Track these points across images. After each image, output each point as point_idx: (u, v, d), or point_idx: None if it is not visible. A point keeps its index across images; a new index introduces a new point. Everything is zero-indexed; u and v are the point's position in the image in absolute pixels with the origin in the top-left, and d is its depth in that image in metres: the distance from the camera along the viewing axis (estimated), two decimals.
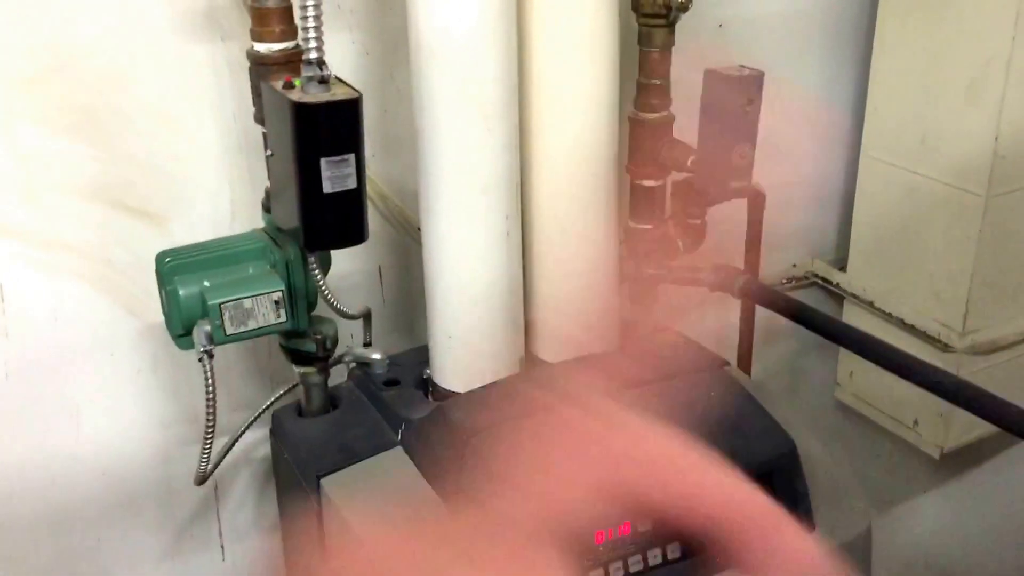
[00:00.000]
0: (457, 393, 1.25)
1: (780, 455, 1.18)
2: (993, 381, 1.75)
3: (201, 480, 1.30)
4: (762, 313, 1.58)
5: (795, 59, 1.77)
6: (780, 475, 1.16)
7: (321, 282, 1.18)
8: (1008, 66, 1.59)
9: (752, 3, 1.67)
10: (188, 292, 1.13)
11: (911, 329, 1.81)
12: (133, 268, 1.29)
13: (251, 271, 1.16)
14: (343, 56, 1.32)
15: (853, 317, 1.90)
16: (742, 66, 1.33)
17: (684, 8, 1.32)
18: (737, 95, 1.30)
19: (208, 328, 1.12)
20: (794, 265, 1.92)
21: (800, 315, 1.40)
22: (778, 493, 1.14)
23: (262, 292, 1.13)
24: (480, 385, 1.23)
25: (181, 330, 1.15)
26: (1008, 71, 1.59)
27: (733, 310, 1.64)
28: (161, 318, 1.20)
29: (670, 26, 1.36)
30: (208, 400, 1.19)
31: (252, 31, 1.13)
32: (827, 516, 1.18)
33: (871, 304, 1.86)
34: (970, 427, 1.82)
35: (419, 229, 1.29)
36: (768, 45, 1.70)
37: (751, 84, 1.31)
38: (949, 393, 1.26)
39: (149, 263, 1.18)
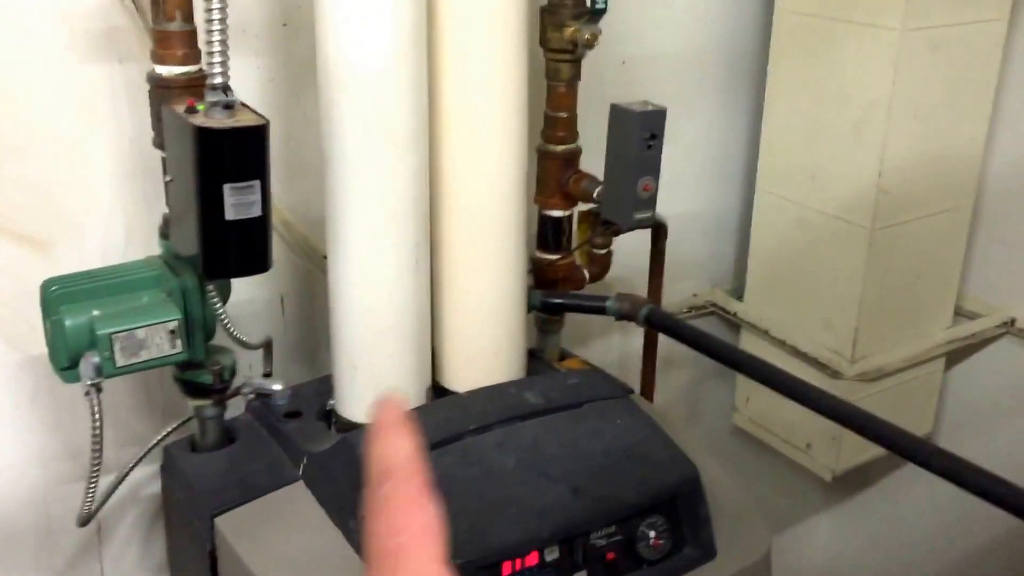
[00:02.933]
0: (362, 424, 1.18)
1: (683, 481, 1.16)
2: (881, 406, 1.78)
3: (85, 521, 1.19)
4: (664, 340, 1.56)
5: (694, 96, 1.77)
6: (683, 501, 1.15)
7: (220, 311, 1.10)
8: (890, 107, 1.62)
9: (654, 42, 1.66)
10: (75, 322, 1.04)
11: (804, 356, 1.82)
12: (14, 298, 1.18)
13: (145, 299, 1.07)
14: (247, 81, 1.25)
15: (749, 344, 1.90)
16: (646, 102, 1.31)
17: (590, 45, 1.31)
18: (641, 129, 1.28)
19: (96, 360, 1.03)
20: (695, 294, 1.91)
21: (700, 343, 1.38)
22: (682, 519, 1.14)
23: (156, 321, 1.04)
24: None
25: (66, 362, 1.05)
26: (890, 111, 1.62)
27: (636, 337, 1.62)
28: (44, 350, 1.09)
29: (576, 61, 1.34)
30: (95, 436, 1.09)
31: (153, 53, 1.06)
32: (728, 540, 1.17)
33: (766, 332, 1.87)
34: (860, 450, 1.84)
35: (324, 257, 1.22)
36: (669, 82, 1.69)
37: (655, 119, 1.29)
38: (840, 417, 1.25)
39: (32, 292, 1.08)
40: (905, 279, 1.81)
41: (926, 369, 1.94)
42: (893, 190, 1.68)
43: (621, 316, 1.36)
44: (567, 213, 1.41)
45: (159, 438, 1.24)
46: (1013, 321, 1.92)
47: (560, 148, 1.37)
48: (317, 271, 1.38)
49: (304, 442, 1.17)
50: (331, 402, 1.23)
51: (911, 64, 1.61)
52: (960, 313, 1.96)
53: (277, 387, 1.18)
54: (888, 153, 1.65)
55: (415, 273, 1.16)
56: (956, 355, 2.00)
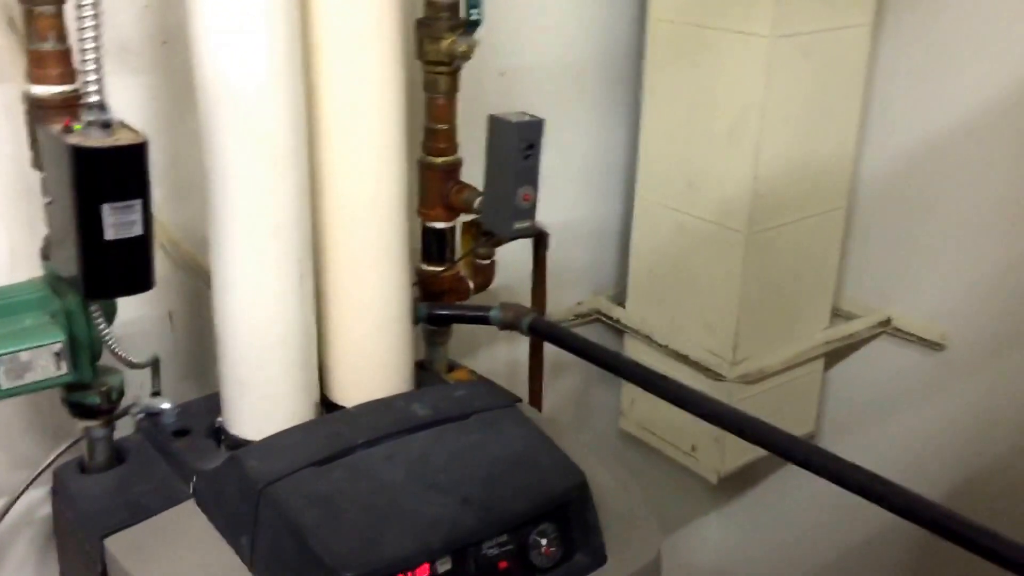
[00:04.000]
0: (251, 441, 1.27)
1: (571, 488, 1.25)
2: (763, 407, 1.94)
3: None
4: (551, 347, 1.68)
5: (573, 105, 1.91)
6: (573, 508, 1.24)
7: (105, 331, 1.18)
8: (763, 112, 1.78)
9: (531, 53, 1.79)
10: None
11: (686, 360, 1.97)
12: None
13: (28, 322, 1.14)
14: (130, 100, 1.31)
15: (633, 350, 2.05)
16: (523, 112, 1.44)
17: (466, 57, 1.42)
18: (519, 140, 1.41)
19: None
20: (579, 302, 2.06)
21: (583, 351, 1.50)
22: (572, 526, 1.25)
23: (41, 344, 1.12)
24: (275, 431, 1.26)
25: None
26: (763, 116, 1.78)
27: (523, 346, 1.74)
28: None
29: (453, 73, 1.46)
30: None
31: (29, 73, 1.13)
32: (618, 544, 1.27)
33: (649, 337, 2.02)
34: (744, 451, 2.00)
35: (210, 274, 1.30)
36: (548, 92, 1.83)
37: (532, 129, 1.42)
38: (721, 420, 1.37)
39: None
40: (783, 281, 1.98)
41: (806, 370, 2.11)
42: (768, 194, 1.84)
43: (505, 326, 1.48)
44: (450, 224, 1.52)
45: (49, 460, 1.30)
46: (889, 320, 2.11)
47: (440, 160, 1.49)
48: (205, 288, 1.45)
49: (194, 460, 1.25)
50: (219, 419, 1.31)
51: (782, 70, 1.77)
52: (838, 314, 2.14)
53: (165, 406, 1.27)
54: (762, 158, 1.81)
55: (299, 288, 1.26)
56: (835, 355, 2.18)
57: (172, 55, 1.37)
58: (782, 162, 1.86)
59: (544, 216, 1.49)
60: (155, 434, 1.30)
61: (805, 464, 1.28)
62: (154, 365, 1.31)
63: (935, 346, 2.06)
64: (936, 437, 2.12)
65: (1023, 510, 1.95)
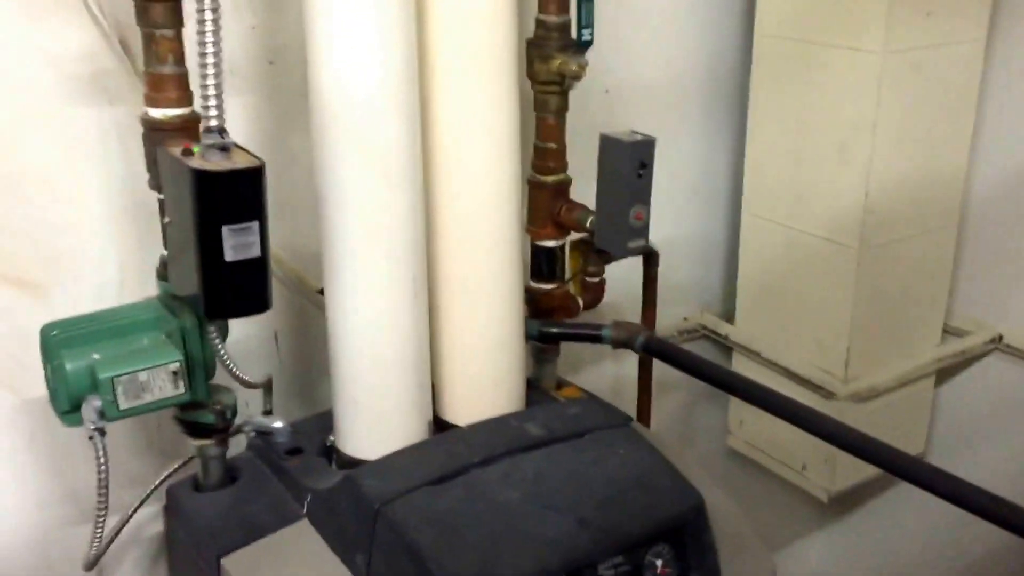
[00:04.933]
0: (365, 460, 1.21)
1: (688, 509, 1.19)
2: (874, 425, 1.82)
3: (91, 564, 1.21)
4: (656, 364, 1.60)
5: (677, 121, 1.83)
6: (689, 529, 1.19)
7: (222, 351, 1.14)
8: (874, 128, 1.69)
9: (636, 71, 1.72)
10: (76, 366, 1.07)
11: (796, 377, 1.87)
12: (9, 340, 1.22)
13: (145, 342, 1.10)
14: (235, 120, 1.27)
15: (741, 366, 1.96)
16: (635, 131, 1.36)
17: (577, 77, 1.36)
18: (631, 159, 1.34)
19: (99, 404, 1.06)
20: (685, 318, 1.97)
21: (696, 369, 1.42)
22: (688, 547, 1.17)
23: (159, 364, 1.08)
24: (389, 451, 1.20)
25: (68, 406, 1.08)
26: (875, 132, 1.69)
27: (629, 363, 1.66)
28: (40, 392, 1.12)
29: (564, 93, 1.40)
30: (100, 479, 1.12)
31: (147, 96, 1.09)
32: (732, 566, 1.20)
33: (758, 354, 1.92)
34: (855, 470, 1.89)
35: (318, 292, 1.26)
36: (652, 109, 1.76)
37: (644, 149, 1.35)
38: (834, 438, 1.30)
39: (28, 335, 1.11)
40: (894, 298, 1.87)
41: (917, 387, 2.00)
42: (879, 210, 1.75)
43: (618, 344, 1.41)
44: (560, 243, 1.46)
45: (162, 478, 1.27)
46: (1000, 337, 1.99)
47: (550, 179, 1.43)
48: (310, 306, 1.41)
49: (306, 479, 1.21)
50: (332, 438, 1.26)
51: (893, 86, 1.68)
52: (948, 331, 2.03)
53: (278, 424, 1.22)
54: (873, 174, 1.72)
55: (414, 307, 1.20)
56: (946, 373, 2.07)
57: (277, 75, 1.34)
58: (894, 178, 1.76)
59: (650, 232, 1.41)
60: (267, 453, 1.26)
61: (920, 483, 1.23)
62: (267, 384, 1.27)
63: None
64: None
65: None
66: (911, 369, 1.94)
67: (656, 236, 1.50)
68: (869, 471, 1.80)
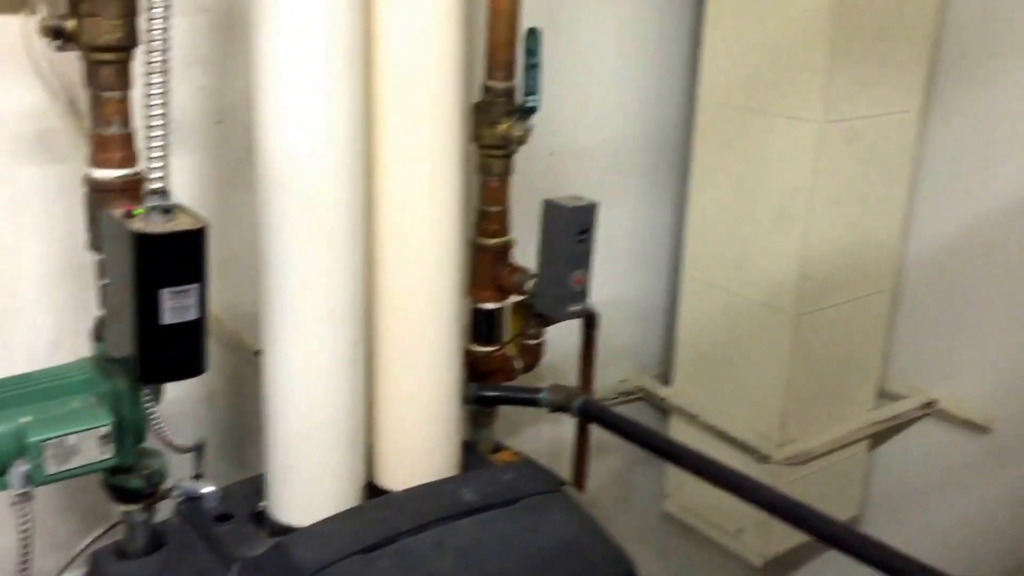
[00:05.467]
0: (296, 527, 1.20)
1: None
2: (809, 489, 1.86)
3: None
4: (594, 426, 1.62)
5: (620, 185, 1.87)
6: None
7: (155, 415, 1.12)
8: (812, 195, 1.74)
9: (580, 134, 1.76)
10: (4, 429, 1.04)
11: (732, 440, 1.90)
12: None
13: (76, 404, 1.09)
14: (181, 177, 1.27)
15: (679, 429, 1.98)
16: (577, 196, 1.39)
17: (521, 142, 1.39)
18: (572, 225, 1.36)
19: (26, 468, 1.04)
20: (623, 380, 1.99)
21: (632, 434, 1.44)
22: None
23: (88, 427, 1.06)
24: (321, 517, 1.19)
25: None
26: (811, 200, 1.75)
27: (566, 425, 1.68)
28: None
29: (508, 156, 1.42)
30: (24, 545, 1.09)
31: (91, 157, 1.09)
32: None
33: (695, 417, 1.94)
34: (789, 535, 1.89)
35: (255, 353, 1.25)
36: (596, 172, 1.79)
37: (585, 214, 1.38)
38: (767, 504, 1.33)
39: None
40: (829, 362, 1.91)
41: (852, 451, 2.04)
42: (815, 275, 1.80)
43: (555, 408, 1.43)
44: (500, 305, 1.47)
45: (85, 544, 1.24)
46: (934, 402, 2.03)
47: (493, 241, 1.44)
48: (247, 367, 1.40)
49: (235, 547, 1.19)
50: (263, 504, 1.25)
51: (830, 154, 1.74)
52: (884, 395, 2.07)
53: (208, 490, 1.20)
54: (809, 240, 1.77)
55: (351, 371, 1.20)
56: (880, 437, 2.11)
57: (225, 134, 1.34)
58: (829, 244, 1.82)
59: (591, 293, 1.44)
60: (196, 518, 1.24)
61: (850, 551, 1.24)
62: (199, 448, 1.25)
63: (981, 429, 1.99)
64: (983, 521, 2.04)
65: None
66: (845, 433, 1.98)
67: (597, 297, 1.52)
68: (803, 536, 1.82)
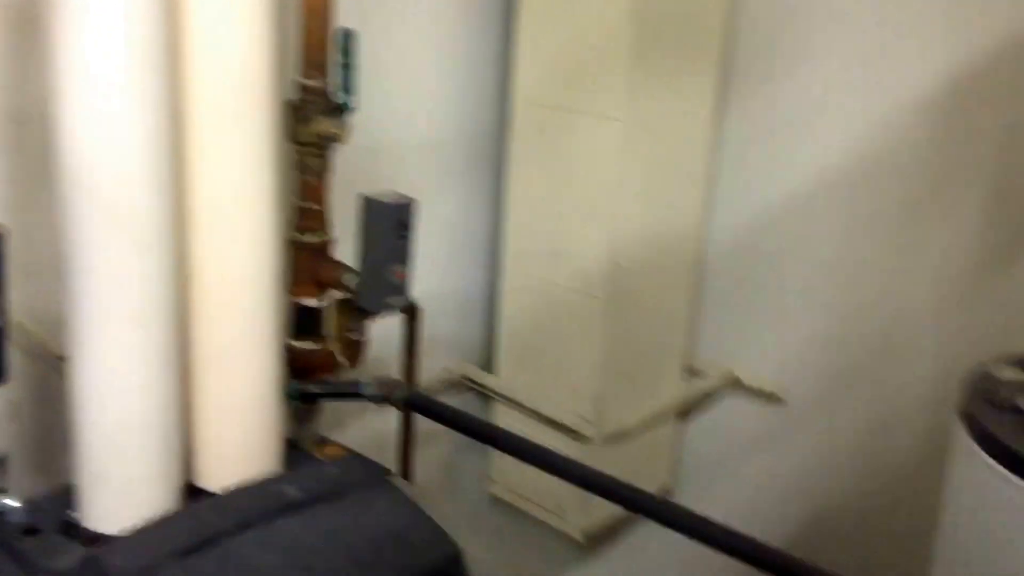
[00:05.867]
0: (109, 535, 1.16)
1: (446, 560, 1.23)
2: (625, 465, 1.94)
3: None
4: (420, 417, 1.64)
5: (439, 180, 1.90)
6: None
7: None
8: (618, 189, 1.83)
9: (399, 133, 1.77)
10: None
11: (554, 423, 1.97)
12: None
13: None
14: None
15: (503, 415, 2.03)
16: (397, 192, 1.41)
17: (338, 139, 1.39)
18: (391, 220, 1.38)
19: None
20: (446, 369, 2.02)
21: (457, 423, 1.48)
22: None
23: None
24: (136, 523, 1.16)
25: None
26: (619, 193, 1.84)
27: (392, 416, 1.68)
28: None
29: (324, 155, 1.42)
30: None
31: None
32: None
33: (518, 403, 2.00)
34: (606, 509, 2.00)
35: (61, 359, 1.20)
36: (415, 168, 1.81)
37: (405, 210, 1.39)
38: (583, 481, 1.40)
39: None
40: (639, 344, 2.01)
41: (663, 427, 2.15)
42: (625, 263, 1.89)
43: (378, 400, 1.44)
44: (321, 302, 1.46)
45: None
46: (736, 377, 2.17)
47: (312, 238, 1.44)
48: (53, 374, 1.34)
49: (44, 560, 1.14)
50: (73, 513, 1.20)
51: (634, 150, 1.83)
52: (690, 373, 2.19)
53: (12, 504, 1.15)
54: (618, 231, 1.86)
55: (163, 372, 1.17)
56: (688, 412, 2.23)
57: (25, 135, 1.29)
58: (636, 234, 1.91)
59: (414, 287, 1.46)
60: (2, 534, 1.18)
61: (660, 519, 1.33)
62: (2, 462, 1.19)
63: (777, 400, 2.13)
64: (785, 483, 2.18)
65: (861, 550, 2.03)
66: (656, 410, 2.08)
67: (419, 291, 1.54)
68: (619, 510, 1.91)
